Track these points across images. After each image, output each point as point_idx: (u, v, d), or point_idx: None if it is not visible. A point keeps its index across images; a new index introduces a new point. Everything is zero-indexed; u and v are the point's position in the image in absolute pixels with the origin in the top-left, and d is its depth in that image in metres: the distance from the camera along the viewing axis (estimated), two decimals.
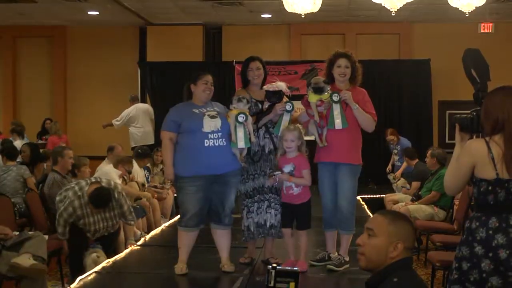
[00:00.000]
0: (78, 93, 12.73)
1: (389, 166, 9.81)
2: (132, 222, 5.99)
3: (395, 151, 9.55)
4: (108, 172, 6.93)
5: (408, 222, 2.46)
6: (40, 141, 11.58)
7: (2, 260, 4.67)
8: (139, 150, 8.48)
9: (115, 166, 7.28)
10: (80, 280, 4.36)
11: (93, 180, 5.71)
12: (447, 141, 11.96)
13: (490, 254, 2.74)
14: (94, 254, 5.31)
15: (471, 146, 2.86)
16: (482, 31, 11.50)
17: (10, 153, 7.64)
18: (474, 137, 3.00)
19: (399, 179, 9.02)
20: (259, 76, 4.79)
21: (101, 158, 8.04)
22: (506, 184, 2.76)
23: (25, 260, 4.62)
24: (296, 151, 4.52)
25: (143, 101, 11.82)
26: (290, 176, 4.46)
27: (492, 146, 2.78)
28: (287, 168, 4.47)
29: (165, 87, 11.59)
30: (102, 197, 5.48)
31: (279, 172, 4.46)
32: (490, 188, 2.79)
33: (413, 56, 12.09)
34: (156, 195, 8.02)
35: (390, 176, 9.24)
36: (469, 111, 3.04)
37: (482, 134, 2.92)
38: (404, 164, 9.05)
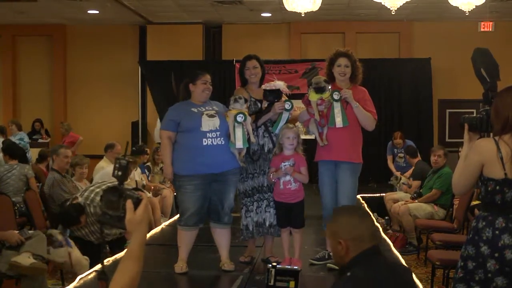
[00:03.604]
0: (78, 92, 12.73)
1: (394, 169, 9.70)
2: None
3: (401, 154, 9.43)
4: (110, 173, 6.88)
5: (349, 214, 2.43)
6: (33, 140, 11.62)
7: (2, 259, 4.68)
8: (133, 148, 8.48)
9: None
10: (80, 279, 4.35)
11: (78, 194, 5.75)
12: (447, 139, 11.97)
13: (496, 255, 2.74)
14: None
15: (480, 145, 2.85)
16: (482, 29, 11.47)
17: (12, 151, 7.58)
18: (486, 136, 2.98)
19: (400, 179, 8.87)
20: (256, 75, 4.79)
21: (101, 157, 8.02)
22: None
23: (25, 259, 4.63)
24: (293, 150, 4.52)
25: (144, 99, 11.80)
26: (294, 169, 4.45)
27: (501, 146, 2.77)
28: (289, 163, 4.47)
29: (166, 86, 11.57)
30: (63, 217, 5.56)
31: (287, 163, 4.45)
32: (497, 187, 2.77)
33: (413, 55, 12.07)
34: (153, 188, 8.02)
35: (394, 181, 8.90)
36: (471, 110, 3.03)
37: (490, 133, 2.90)
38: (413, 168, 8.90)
